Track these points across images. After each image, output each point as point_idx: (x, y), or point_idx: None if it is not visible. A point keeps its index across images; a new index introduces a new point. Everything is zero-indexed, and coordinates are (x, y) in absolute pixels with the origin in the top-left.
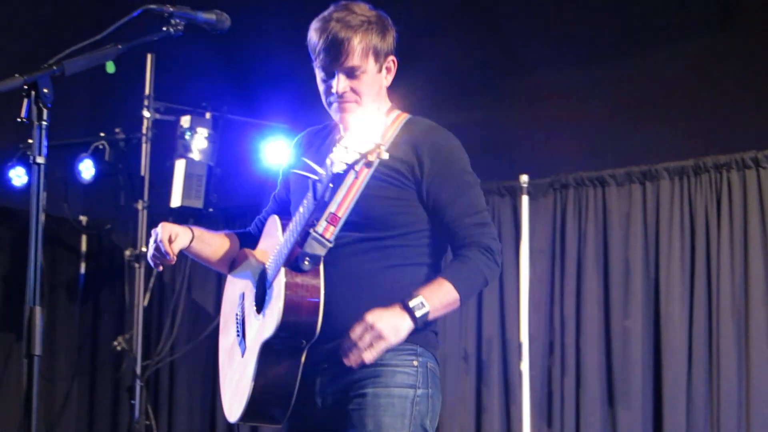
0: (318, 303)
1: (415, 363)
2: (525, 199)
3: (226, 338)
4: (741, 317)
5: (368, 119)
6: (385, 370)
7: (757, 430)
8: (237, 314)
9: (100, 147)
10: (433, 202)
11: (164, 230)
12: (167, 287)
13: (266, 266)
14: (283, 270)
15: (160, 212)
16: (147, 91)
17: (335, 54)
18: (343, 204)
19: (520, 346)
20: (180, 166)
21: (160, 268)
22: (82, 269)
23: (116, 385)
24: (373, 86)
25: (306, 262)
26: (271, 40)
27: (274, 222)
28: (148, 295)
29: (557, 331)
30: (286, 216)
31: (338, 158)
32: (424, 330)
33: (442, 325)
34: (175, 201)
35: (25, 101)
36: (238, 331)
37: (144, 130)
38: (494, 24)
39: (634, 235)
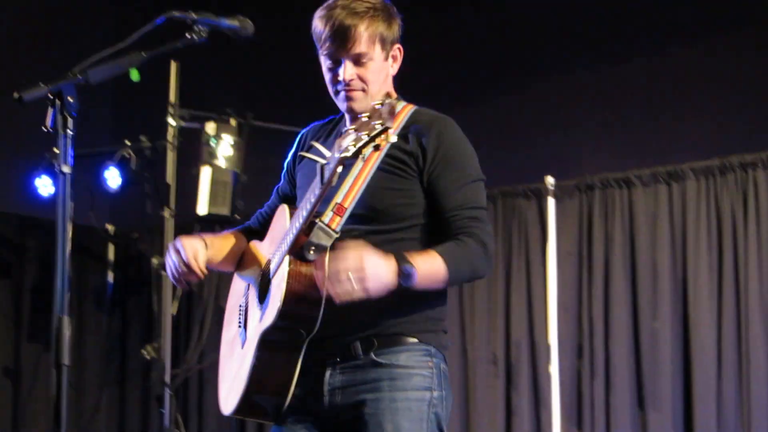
0: (320, 295)
1: (431, 364)
2: (551, 201)
3: (229, 331)
4: None
5: (376, 105)
6: (400, 372)
7: None
8: (240, 305)
9: (126, 155)
10: (433, 191)
11: (188, 248)
12: (195, 295)
13: (272, 256)
14: (287, 258)
15: (187, 220)
16: (171, 99)
17: (341, 41)
18: (349, 194)
19: (548, 348)
20: (205, 174)
21: (187, 286)
22: (110, 278)
23: (145, 393)
24: (380, 74)
25: (311, 252)
26: (297, 45)
27: (283, 211)
28: (176, 304)
29: (586, 334)
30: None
31: (347, 142)
32: (436, 331)
33: (470, 329)
34: (202, 208)
35: (50, 110)
36: (240, 322)
37: (169, 138)
38: (519, 24)
39: (661, 236)
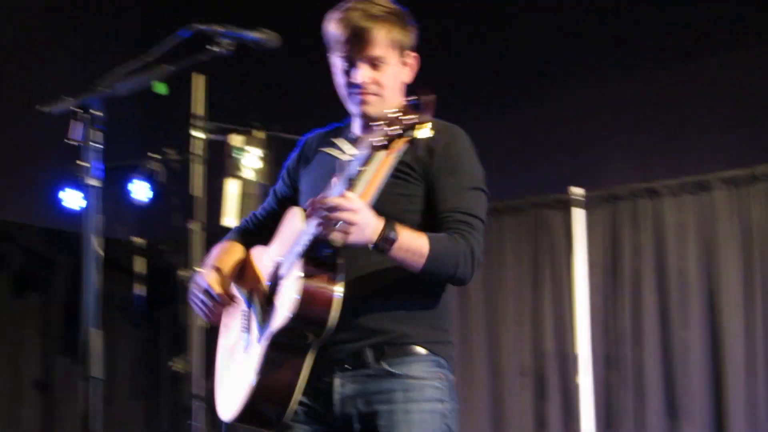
0: (332, 296)
1: (441, 376)
2: (579, 212)
3: (227, 338)
4: None
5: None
6: (414, 383)
7: None
8: (243, 310)
9: (153, 168)
10: (431, 192)
11: (214, 283)
12: None
13: (281, 257)
14: (301, 260)
15: (214, 232)
16: (197, 111)
17: (358, 43)
18: (365, 195)
19: (577, 359)
20: (231, 186)
21: (219, 318)
22: (138, 291)
23: (175, 405)
24: (396, 79)
25: (326, 251)
26: (324, 57)
27: (294, 213)
28: None
29: (615, 344)
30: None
31: (376, 135)
32: (445, 342)
33: (499, 340)
34: (228, 220)
35: (75, 123)
36: (244, 326)
37: (196, 151)
38: (547, 35)
39: (690, 246)
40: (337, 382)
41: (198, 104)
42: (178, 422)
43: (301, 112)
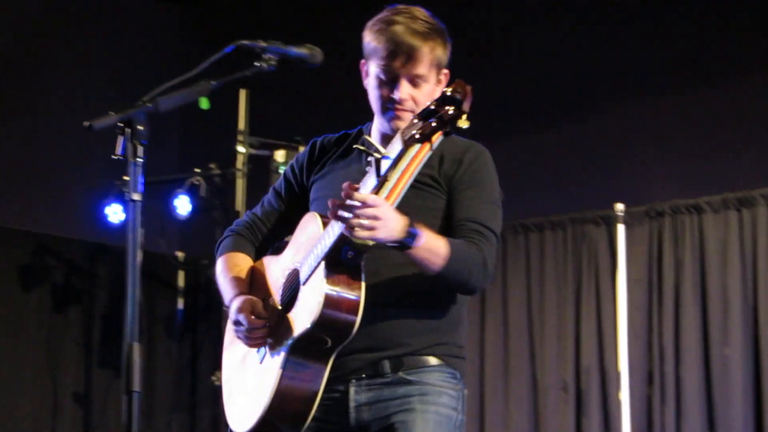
0: (358, 301)
1: (458, 388)
2: (621, 228)
3: (235, 351)
4: None
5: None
6: (430, 388)
7: None
8: None
9: (196, 183)
10: (450, 202)
11: (249, 318)
12: None
13: (298, 263)
14: (323, 263)
15: None
16: (241, 126)
17: (404, 60)
18: (390, 196)
19: (618, 375)
20: None
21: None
22: (180, 305)
23: (215, 420)
24: (430, 98)
25: (350, 254)
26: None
27: (313, 218)
28: None
29: (656, 360)
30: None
31: (411, 129)
32: (460, 356)
33: (540, 355)
34: None
35: (120, 138)
36: None
37: (239, 165)
38: (589, 51)
39: (732, 262)
40: (352, 390)
41: (241, 119)
42: None
43: (345, 127)
